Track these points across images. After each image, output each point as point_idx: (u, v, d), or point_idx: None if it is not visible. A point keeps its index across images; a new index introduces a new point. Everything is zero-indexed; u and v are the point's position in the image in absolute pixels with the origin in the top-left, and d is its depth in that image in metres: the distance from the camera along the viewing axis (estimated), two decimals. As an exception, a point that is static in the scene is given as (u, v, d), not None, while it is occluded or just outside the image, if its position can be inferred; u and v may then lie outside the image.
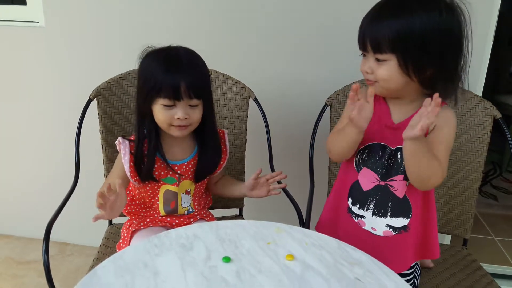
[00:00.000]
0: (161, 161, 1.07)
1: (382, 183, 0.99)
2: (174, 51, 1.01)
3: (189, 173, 1.11)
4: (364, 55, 0.95)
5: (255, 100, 1.30)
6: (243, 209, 1.40)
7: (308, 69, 1.54)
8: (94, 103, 1.25)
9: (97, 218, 0.88)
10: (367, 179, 1.01)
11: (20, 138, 1.84)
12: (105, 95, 1.25)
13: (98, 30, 1.62)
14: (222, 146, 1.15)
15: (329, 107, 1.31)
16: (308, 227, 1.12)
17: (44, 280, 1.73)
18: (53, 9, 1.62)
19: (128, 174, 1.06)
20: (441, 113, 0.90)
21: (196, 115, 1.02)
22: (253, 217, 0.98)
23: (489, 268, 1.80)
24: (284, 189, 1.23)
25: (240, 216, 1.40)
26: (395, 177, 0.98)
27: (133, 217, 1.16)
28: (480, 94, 1.52)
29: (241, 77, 1.34)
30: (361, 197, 1.02)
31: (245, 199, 1.38)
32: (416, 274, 1.08)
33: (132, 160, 1.05)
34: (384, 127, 0.98)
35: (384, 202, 1.00)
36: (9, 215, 2.00)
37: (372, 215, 1.01)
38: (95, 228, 1.58)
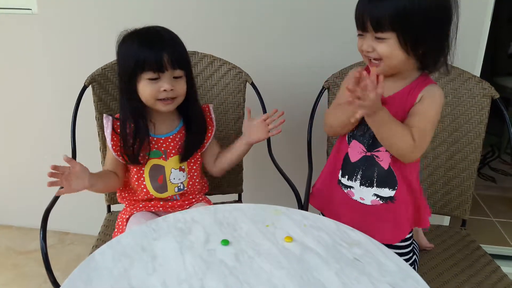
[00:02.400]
0: (146, 136, 1.08)
1: (369, 153, 1.03)
2: (152, 29, 1.04)
3: (176, 147, 1.12)
4: (361, 35, 0.96)
5: (252, 84, 1.29)
6: (242, 194, 1.40)
7: (305, 52, 1.52)
8: (89, 89, 1.23)
9: (58, 193, 0.98)
10: (355, 150, 1.05)
11: (15, 126, 1.83)
12: (100, 81, 1.24)
13: (91, 16, 1.59)
14: (208, 119, 1.17)
15: (327, 90, 1.30)
16: (306, 210, 1.12)
17: (45, 269, 1.74)
18: (45, -4, 1.60)
19: (111, 147, 1.08)
20: (427, 88, 0.97)
21: (181, 86, 1.04)
22: (252, 202, 0.97)
23: (488, 249, 1.80)
24: (283, 173, 1.23)
25: (239, 201, 1.40)
26: (380, 148, 1.02)
27: (127, 203, 1.17)
28: (478, 75, 1.50)
29: (238, 62, 1.32)
30: (349, 169, 1.06)
31: (244, 183, 1.38)
32: (415, 253, 1.09)
33: (114, 134, 1.08)
34: None
35: (370, 173, 1.03)
36: (9, 205, 2.00)
37: (360, 186, 1.05)
38: (94, 216, 1.58)
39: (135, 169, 1.12)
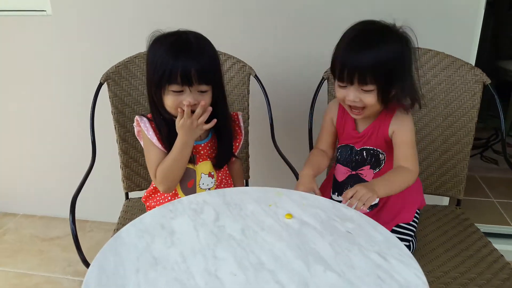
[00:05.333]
0: None
1: (354, 172, 1.15)
2: (183, 36, 1.01)
3: (207, 154, 1.14)
4: (344, 86, 1.03)
5: (256, 77, 1.37)
6: (249, 180, 1.49)
7: (304, 44, 1.59)
8: (104, 86, 1.32)
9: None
10: (340, 172, 1.18)
11: (36, 123, 1.93)
12: (114, 78, 1.33)
13: (103, 16, 1.68)
14: (237, 128, 1.20)
15: (326, 80, 1.37)
16: (307, 192, 1.21)
17: (68, 254, 1.88)
18: (59, -3, 1.68)
19: (160, 145, 1.08)
20: (395, 118, 1.08)
21: (205, 101, 1.02)
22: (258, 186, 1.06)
23: (488, 228, 1.88)
24: (286, 160, 1.31)
25: (246, 186, 1.49)
26: (363, 168, 1.14)
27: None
28: (473, 61, 1.57)
29: (241, 55, 1.40)
30: (337, 187, 1.19)
31: (250, 171, 1.47)
32: (413, 240, 1.16)
33: (156, 132, 1.08)
34: (351, 134, 1.14)
35: None
36: (31, 196, 2.12)
37: None
38: (111, 204, 1.69)
39: None
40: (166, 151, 1.09)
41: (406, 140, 1.07)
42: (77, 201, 1.17)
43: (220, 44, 1.37)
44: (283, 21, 1.58)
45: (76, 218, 1.14)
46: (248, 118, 1.42)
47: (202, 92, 1.02)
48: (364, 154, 1.14)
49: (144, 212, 1.05)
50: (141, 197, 1.28)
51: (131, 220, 0.84)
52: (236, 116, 1.21)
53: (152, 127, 1.09)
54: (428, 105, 1.34)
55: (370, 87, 0.99)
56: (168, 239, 0.77)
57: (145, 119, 1.10)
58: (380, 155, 1.13)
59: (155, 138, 1.08)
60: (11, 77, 1.86)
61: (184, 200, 0.90)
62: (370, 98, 1.01)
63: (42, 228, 2.05)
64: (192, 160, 1.12)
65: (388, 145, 1.11)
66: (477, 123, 1.33)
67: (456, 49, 1.37)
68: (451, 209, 1.40)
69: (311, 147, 1.37)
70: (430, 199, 1.47)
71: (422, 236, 1.25)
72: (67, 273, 1.75)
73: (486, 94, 1.30)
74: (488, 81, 1.29)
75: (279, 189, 0.94)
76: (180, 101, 1.01)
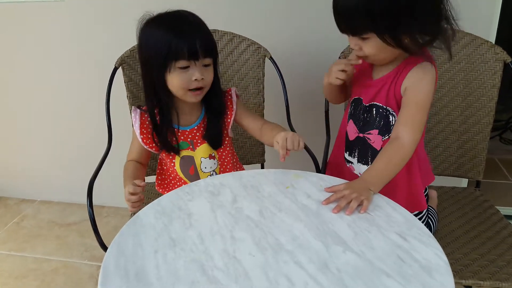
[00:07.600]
0: (172, 128, 1.10)
1: (361, 135, 1.06)
2: (177, 14, 1.02)
3: (202, 136, 1.12)
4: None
5: (271, 59, 1.35)
6: (265, 164, 1.48)
7: (319, 24, 1.56)
8: (119, 71, 1.32)
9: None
10: (352, 130, 1.08)
11: (51, 109, 1.95)
12: (129, 62, 1.32)
13: (116, 1, 1.67)
14: (228, 103, 1.15)
15: (342, 61, 1.35)
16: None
17: (85, 240, 1.90)
18: (72, -17, 1.68)
19: (140, 140, 1.11)
20: (413, 72, 0.92)
21: (210, 75, 1.03)
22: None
23: (508, 210, 1.84)
24: None
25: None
26: (371, 131, 1.03)
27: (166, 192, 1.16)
28: (493, 39, 1.52)
29: (256, 37, 1.37)
30: (349, 145, 1.11)
31: (266, 154, 1.46)
32: (429, 215, 1.15)
33: (144, 127, 1.10)
34: (364, 81, 1.03)
35: (364, 152, 1.06)
36: (48, 182, 2.15)
37: (357, 162, 1.09)
38: (128, 189, 1.70)
39: (168, 159, 1.13)
40: (147, 146, 1.12)
41: (415, 101, 0.91)
42: (94, 187, 1.18)
43: (235, 26, 1.36)
44: (297, 1, 1.54)
45: (93, 204, 1.15)
46: (264, 101, 1.41)
47: (206, 66, 1.02)
48: (374, 112, 1.01)
49: (160, 196, 1.05)
50: (157, 181, 1.29)
51: (147, 204, 0.84)
52: (229, 92, 1.17)
53: (141, 120, 1.11)
54: (447, 85, 1.31)
55: (366, 35, 0.88)
56: (186, 220, 0.77)
57: (138, 110, 1.12)
58: (390, 116, 0.99)
59: (139, 131, 1.11)
60: (26, 63, 1.87)
61: (201, 183, 0.90)
62: (368, 47, 0.89)
63: (59, 214, 2.08)
64: (190, 146, 1.12)
65: (399, 107, 0.97)
66: (497, 105, 1.29)
67: (476, 27, 1.33)
68: (470, 191, 1.38)
69: (327, 129, 1.35)
70: (449, 181, 1.45)
71: (441, 217, 1.23)
72: (85, 258, 1.77)
73: (507, 74, 1.26)
74: (508, 59, 1.26)
75: (297, 171, 0.93)
76: (188, 78, 1.00)
